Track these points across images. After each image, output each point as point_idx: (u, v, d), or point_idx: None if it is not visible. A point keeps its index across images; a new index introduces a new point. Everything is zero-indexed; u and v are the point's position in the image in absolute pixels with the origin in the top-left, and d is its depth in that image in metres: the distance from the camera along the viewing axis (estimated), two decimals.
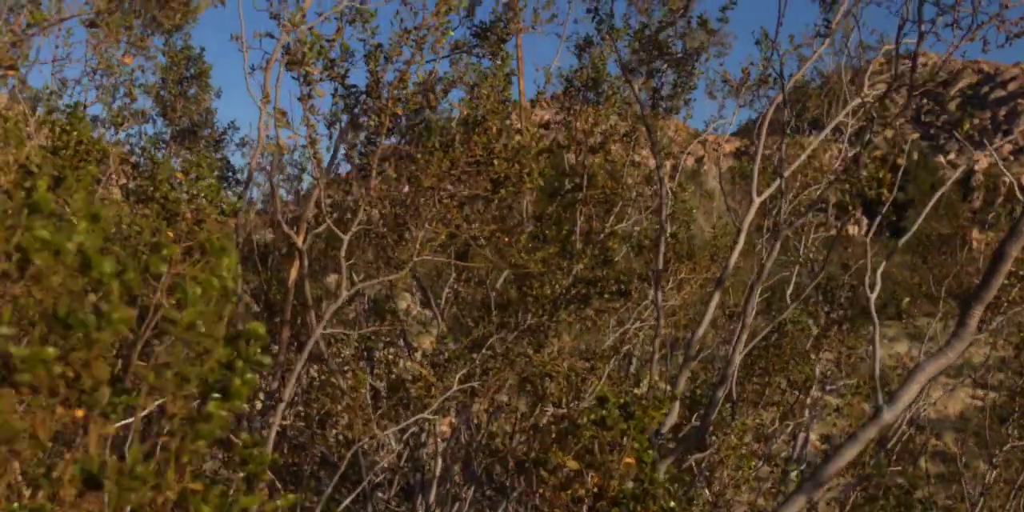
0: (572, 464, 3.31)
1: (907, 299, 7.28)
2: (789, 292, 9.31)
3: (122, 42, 6.74)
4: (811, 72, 8.45)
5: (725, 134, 9.33)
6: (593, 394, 7.34)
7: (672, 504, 3.03)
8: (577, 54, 7.45)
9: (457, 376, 5.00)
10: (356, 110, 4.98)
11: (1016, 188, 3.56)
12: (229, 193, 8.88)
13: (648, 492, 3.04)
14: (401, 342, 7.10)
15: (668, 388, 6.87)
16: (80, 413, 1.99)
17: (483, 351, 5.09)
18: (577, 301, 6.74)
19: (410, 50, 4.72)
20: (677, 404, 6.20)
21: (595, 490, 3.30)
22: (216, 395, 2.15)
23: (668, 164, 9.38)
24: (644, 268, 7.59)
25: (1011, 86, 70.13)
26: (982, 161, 62.61)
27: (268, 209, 8.62)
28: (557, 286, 5.36)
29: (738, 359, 5.80)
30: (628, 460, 3.27)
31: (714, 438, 6.46)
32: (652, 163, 10.11)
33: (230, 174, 8.55)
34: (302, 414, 7.06)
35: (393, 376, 5.60)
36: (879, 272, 3.86)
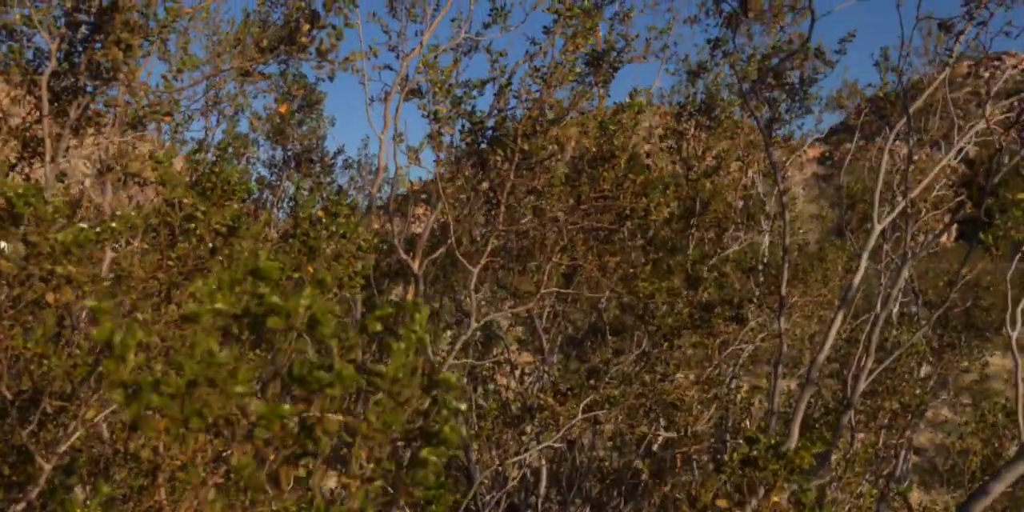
0: (722, 503, 3.37)
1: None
2: (895, 311, 9.21)
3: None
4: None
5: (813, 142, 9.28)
6: (711, 419, 7.37)
7: None
8: (690, 80, 7.50)
9: (582, 405, 5.08)
10: (483, 146, 5.11)
11: None
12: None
13: None
14: (504, 361, 7.22)
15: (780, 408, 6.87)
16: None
17: (606, 379, 5.17)
18: (695, 327, 6.79)
19: (538, 87, 4.83)
20: (797, 429, 6.20)
21: None
22: (420, 441, 2.29)
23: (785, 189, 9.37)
24: (755, 290, 7.59)
25: None
26: None
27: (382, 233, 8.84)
28: (679, 315, 5.41)
29: (863, 386, 5.77)
30: (775, 499, 3.32)
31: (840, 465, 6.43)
32: (759, 186, 10.06)
33: (340, 198, 8.80)
34: None
35: (500, 399, 5.72)
36: (1020, 308, 3.83)
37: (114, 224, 3.45)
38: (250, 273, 2.25)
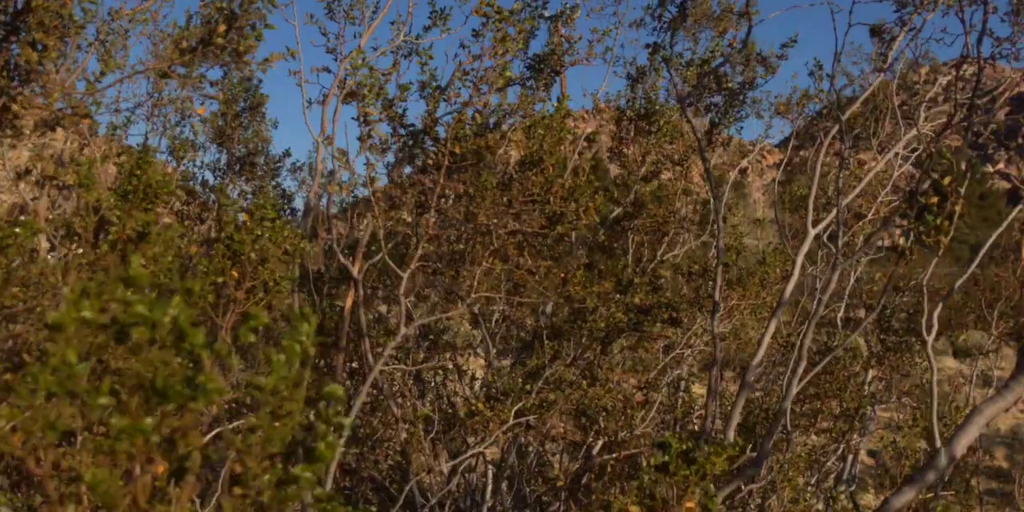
0: (635, 509, 3.36)
1: (962, 337, 7.17)
2: (840, 316, 9.29)
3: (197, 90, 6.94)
4: (855, 89, 8.45)
5: (768, 147, 9.33)
6: (646, 424, 7.38)
7: None
8: (630, 85, 7.51)
9: (513, 410, 5.06)
10: (414, 149, 5.08)
11: None
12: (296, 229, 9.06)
13: None
14: (451, 366, 7.19)
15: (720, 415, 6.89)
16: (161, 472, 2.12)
17: (538, 383, 5.15)
18: (630, 330, 6.79)
19: (467, 90, 4.81)
20: (732, 433, 6.22)
21: None
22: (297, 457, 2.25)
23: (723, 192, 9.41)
24: (694, 294, 7.61)
25: None
26: None
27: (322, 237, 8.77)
28: (612, 319, 5.41)
29: (795, 390, 5.79)
30: (689, 505, 3.31)
31: (774, 468, 6.46)
32: (704, 189, 10.12)
33: (284, 201, 8.73)
34: (354, 438, 7.17)
35: (446, 404, 5.68)
36: (935, 314, 3.86)
37: (18, 230, 3.38)
38: (121, 280, 2.20)
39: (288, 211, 8.73)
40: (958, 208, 3.64)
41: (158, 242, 3.77)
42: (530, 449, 7.13)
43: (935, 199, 3.63)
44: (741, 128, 7.47)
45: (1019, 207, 4.73)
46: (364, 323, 6.17)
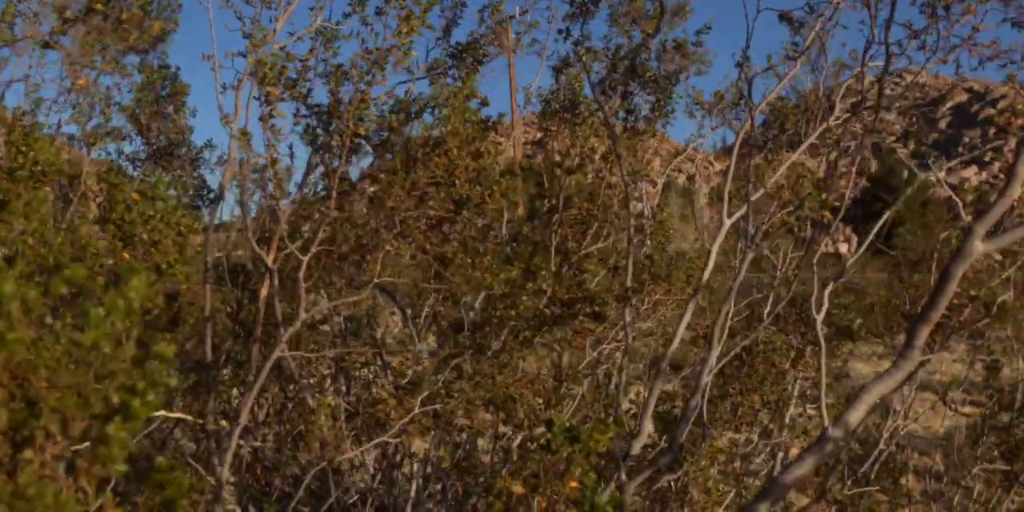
0: (517, 489, 3.28)
1: (859, 321, 7.20)
2: (767, 312, 9.30)
3: (97, 61, 6.74)
4: (788, 91, 8.47)
5: (706, 151, 9.34)
6: (568, 418, 7.31)
7: None
8: (554, 75, 7.44)
9: (419, 399, 4.95)
10: (318, 130, 4.96)
11: (961, 208, 3.54)
12: (205, 212, 8.87)
13: None
14: (379, 362, 7.06)
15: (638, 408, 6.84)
16: None
17: (447, 373, 5.05)
18: (552, 323, 6.72)
19: (370, 69, 4.71)
20: (649, 425, 6.17)
21: None
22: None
23: (644, 184, 9.39)
24: (621, 289, 7.56)
25: (1001, 104, 70.36)
26: (972, 179, 62.69)
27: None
28: (522, 307, 5.32)
29: (706, 378, 5.76)
30: (573, 484, 3.24)
31: (688, 459, 6.42)
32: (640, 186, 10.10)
33: (204, 192, 8.54)
34: (272, 434, 7.02)
35: (369, 397, 5.56)
36: (827, 291, 3.84)
37: None
38: None
39: (208, 201, 8.54)
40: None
41: (19, 213, 3.61)
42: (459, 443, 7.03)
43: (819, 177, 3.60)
44: (666, 124, 7.42)
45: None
46: (280, 314, 6.02)
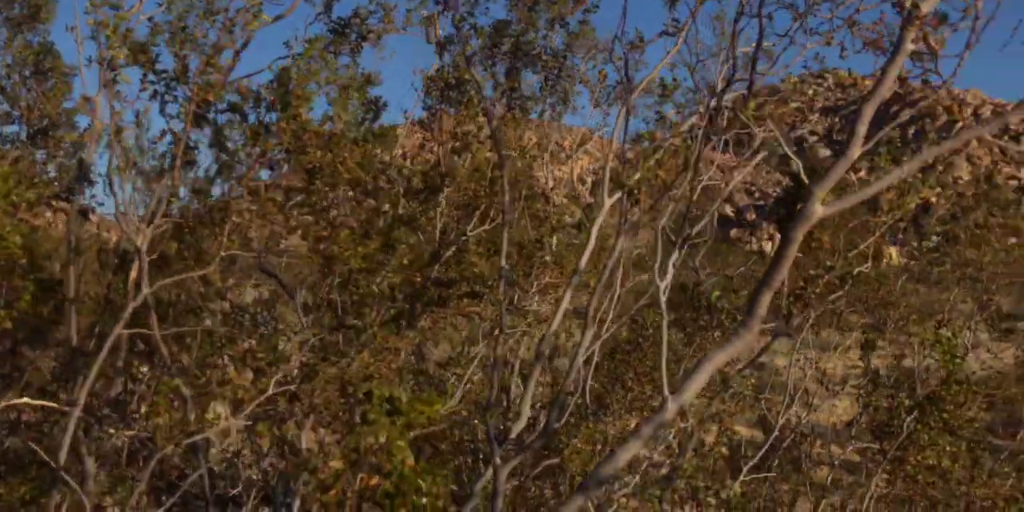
0: (336, 464, 3.09)
1: (716, 293, 7.15)
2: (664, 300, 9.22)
3: None
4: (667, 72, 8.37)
5: (610, 139, 9.24)
6: (453, 404, 7.14)
7: (425, 501, 2.82)
8: (438, 52, 7.25)
9: (274, 379, 4.73)
10: (165, 96, 4.71)
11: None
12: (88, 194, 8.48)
13: (400, 489, 2.83)
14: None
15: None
16: None
17: (304, 352, 4.84)
18: (431, 304, 6.55)
19: (216, 33, 4.47)
20: (528, 408, 6.02)
21: (364, 489, 3.08)
22: None
23: (552, 169, 9.25)
24: (512, 274, 7.41)
25: (920, 105, 71.98)
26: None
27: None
28: (384, 283, 5.12)
29: (580, 360, 5.63)
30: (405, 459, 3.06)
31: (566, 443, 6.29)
32: (541, 169, 9.96)
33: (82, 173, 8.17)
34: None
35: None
36: (672, 261, 3.75)
37: None
38: None
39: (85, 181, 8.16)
40: None
41: None
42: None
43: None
44: (555, 106, 7.29)
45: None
46: (150, 297, 5.74)
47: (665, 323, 3.82)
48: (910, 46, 3.21)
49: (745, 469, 7.62)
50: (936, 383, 5.86)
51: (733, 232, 53.43)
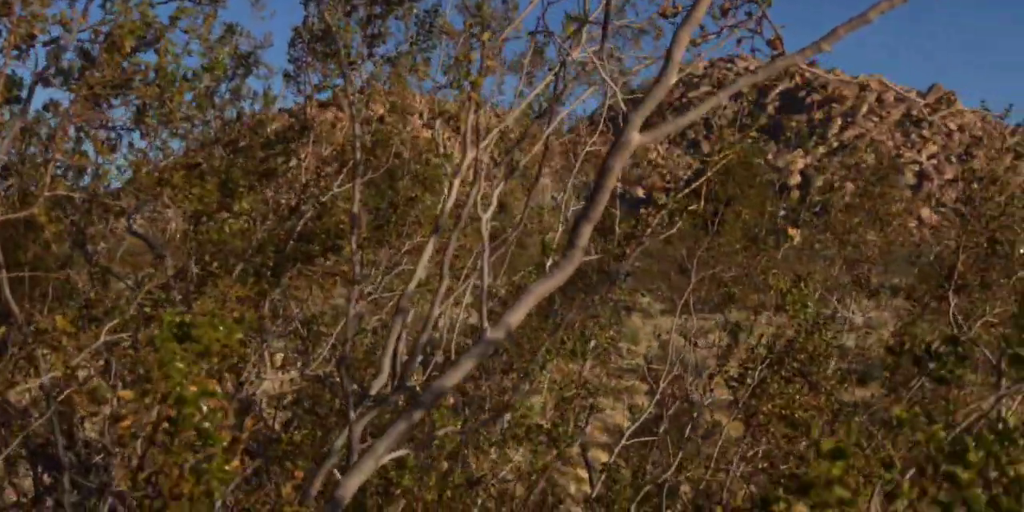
0: (124, 393, 2.93)
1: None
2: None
3: None
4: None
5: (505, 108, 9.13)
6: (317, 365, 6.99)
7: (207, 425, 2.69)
8: (303, 2, 7.01)
9: (106, 327, 4.52)
10: None
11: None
12: None
13: (181, 413, 2.70)
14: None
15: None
16: None
17: (140, 299, 4.64)
18: (295, 259, 6.39)
19: None
20: (388, 364, 5.90)
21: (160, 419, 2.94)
22: None
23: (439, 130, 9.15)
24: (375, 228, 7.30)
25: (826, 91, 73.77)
26: (798, 162, 65.46)
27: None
28: (228, 230, 4.94)
29: (436, 311, 5.52)
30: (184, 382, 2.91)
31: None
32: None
33: None
34: None
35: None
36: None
37: None
38: None
39: None
40: None
41: None
42: None
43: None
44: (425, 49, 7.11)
45: None
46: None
47: (486, 256, 3.74)
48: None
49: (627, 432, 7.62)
50: (792, 334, 5.94)
51: (643, 212, 54.18)
